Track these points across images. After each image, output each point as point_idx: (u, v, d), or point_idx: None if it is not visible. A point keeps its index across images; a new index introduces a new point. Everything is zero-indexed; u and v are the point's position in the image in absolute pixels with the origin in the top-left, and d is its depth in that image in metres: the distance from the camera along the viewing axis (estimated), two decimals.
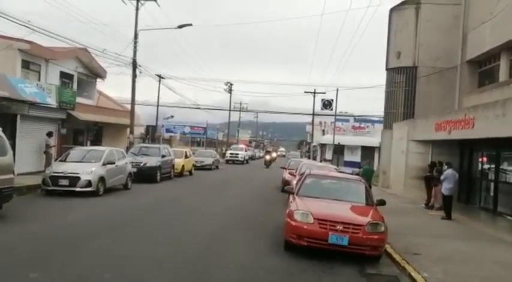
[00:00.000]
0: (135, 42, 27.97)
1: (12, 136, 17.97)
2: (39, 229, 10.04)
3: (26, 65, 22.71)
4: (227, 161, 48.70)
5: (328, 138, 52.15)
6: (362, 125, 55.21)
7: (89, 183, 15.61)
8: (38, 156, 20.87)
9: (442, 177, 15.34)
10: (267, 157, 48.50)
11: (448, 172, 15.26)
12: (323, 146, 56.23)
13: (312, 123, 56.71)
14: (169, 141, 50.59)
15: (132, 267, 7.44)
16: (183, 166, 27.49)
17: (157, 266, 7.59)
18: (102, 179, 16.29)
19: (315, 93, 52.78)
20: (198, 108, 57.86)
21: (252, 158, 61.64)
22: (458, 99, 22.18)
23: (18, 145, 18.77)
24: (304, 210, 9.08)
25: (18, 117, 19.42)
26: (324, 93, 52.61)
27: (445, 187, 15.07)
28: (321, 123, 61.24)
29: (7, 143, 11.36)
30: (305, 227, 8.78)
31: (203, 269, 7.57)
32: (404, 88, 26.47)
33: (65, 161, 16.90)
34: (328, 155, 51.53)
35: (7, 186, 10.96)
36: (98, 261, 7.67)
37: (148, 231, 10.61)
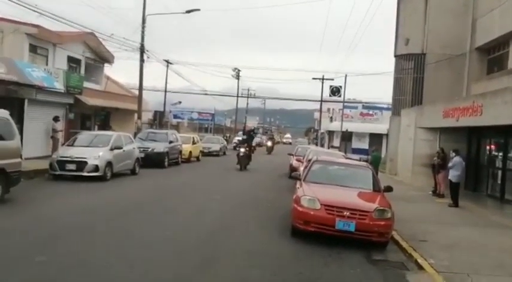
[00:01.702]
0: (143, 27, 27.88)
1: (19, 120, 18.01)
2: (47, 213, 10.10)
3: (33, 49, 22.70)
4: (234, 148, 48.65)
5: (336, 125, 51.98)
6: (370, 112, 54.89)
7: (96, 168, 15.66)
8: (46, 140, 20.97)
9: (450, 164, 15.24)
10: (269, 143, 48.84)
11: (456, 159, 15.15)
12: (331, 133, 56.07)
13: (320, 110, 56.49)
14: (176, 127, 50.65)
15: (139, 251, 7.47)
16: (190, 152, 27.53)
17: (164, 250, 7.62)
18: (109, 164, 16.33)
19: (323, 79, 52.46)
20: (206, 94, 57.79)
21: (259, 144, 61.56)
22: (467, 86, 21.97)
23: (26, 129, 18.82)
24: (311, 196, 9.06)
25: (26, 101, 19.46)
26: (332, 79, 52.26)
27: (453, 174, 14.98)
28: (329, 110, 61.03)
29: (14, 127, 11.40)
30: (312, 212, 8.77)
31: (210, 254, 7.59)
32: (412, 75, 26.23)
33: (72, 145, 16.97)
34: (336, 142, 51.42)
35: (15, 170, 11.03)
36: (105, 245, 7.71)
37: (155, 216, 10.64)
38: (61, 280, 5.88)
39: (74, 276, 6.06)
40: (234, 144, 42.76)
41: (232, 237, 9.03)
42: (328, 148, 44.64)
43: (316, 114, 65.76)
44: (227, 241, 8.60)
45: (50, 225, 8.97)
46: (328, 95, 52.02)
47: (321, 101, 54.48)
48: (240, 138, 49.26)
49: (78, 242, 7.80)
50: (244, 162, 24.05)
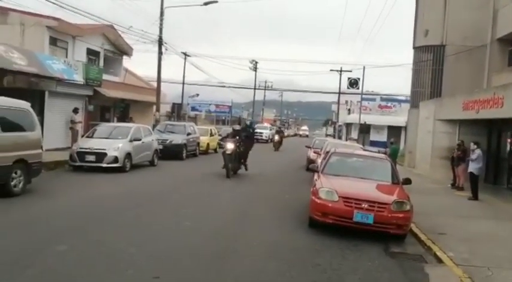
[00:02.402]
0: (161, 20, 27.99)
1: (40, 112, 18.29)
2: (67, 203, 10.27)
3: (53, 41, 22.96)
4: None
5: (354, 118, 51.62)
6: (388, 104, 54.39)
7: (115, 159, 15.84)
8: (66, 132, 21.28)
9: (473, 157, 14.97)
10: (276, 138, 38.35)
11: (478, 151, 14.95)
12: (349, 125, 55.73)
13: (338, 102, 56.16)
14: (194, 120, 50.82)
15: (157, 241, 7.56)
16: (208, 144, 27.65)
17: (182, 240, 7.70)
18: (128, 155, 16.51)
19: (341, 71, 52.13)
20: (223, 87, 57.84)
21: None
22: (487, 78, 21.64)
23: (46, 121, 19.10)
24: (329, 188, 9.06)
25: (46, 93, 19.74)
26: (350, 71, 51.82)
27: (475, 167, 14.78)
28: (346, 102, 60.56)
29: (35, 118, 11.58)
30: (330, 204, 8.77)
31: (227, 245, 7.65)
32: (431, 67, 25.90)
33: (91, 137, 17.18)
34: (354, 134, 51.07)
35: (36, 161, 11.22)
36: (125, 236, 7.81)
37: (174, 206, 10.75)
38: (81, 269, 5.97)
39: (94, 265, 6.16)
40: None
41: (249, 228, 9.08)
42: (346, 140, 44.39)
43: (334, 107, 65.34)
44: (245, 232, 8.65)
45: (70, 215, 9.12)
46: (347, 87, 51.64)
47: (339, 93, 54.16)
48: (257, 131, 49.01)
49: (98, 231, 7.92)
50: (232, 163, 16.83)
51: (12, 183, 10.36)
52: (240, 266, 6.62)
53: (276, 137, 38.56)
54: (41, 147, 11.88)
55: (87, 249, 6.78)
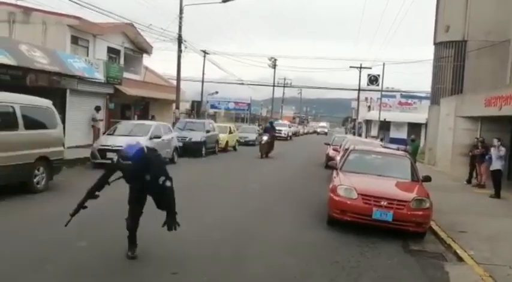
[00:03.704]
0: (181, 17, 28.11)
1: (62, 110, 18.57)
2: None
3: (75, 40, 23.27)
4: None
5: (373, 115, 51.24)
6: (409, 101, 53.81)
7: None
8: (87, 130, 21.56)
9: (502, 154, 14.67)
10: (265, 138, 25.06)
11: (503, 148, 14.70)
12: (368, 122, 55.36)
13: (358, 99, 55.79)
14: (213, 117, 51.09)
15: (176, 237, 7.62)
16: (227, 141, 27.72)
17: (201, 237, 7.75)
18: None
19: (360, 68, 51.76)
20: (242, 84, 57.93)
21: (295, 134, 61.37)
22: (510, 74, 21.24)
23: (68, 119, 19.39)
24: (348, 185, 9.03)
25: (68, 91, 20.04)
26: (370, 68, 51.41)
27: (500, 164, 14.54)
28: (366, 99, 60.13)
29: (57, 116, 11.76)
30: (348, 202, 8.74)
31: (246, 242, 7.68)
32: (452, 63, 25.57)
33: (112, 134, 17.38)
34: (374, 131, 50.74)
35: (57, 158, 11.40)
36: (144, 231, 7.89)
37: (194, 203, 10.82)
38: (101, 264, 6.07)
39: (113, 261, 6.25)
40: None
41: (267, 224, 9.09)
42: (366, 137, 44.06)
43: (354, 104, 64.91)
44: (263, 229, 8.67)
45: (90, 211, 9.20)
46: (366, 83, 51.26)
47: (359, 89, 53.78)
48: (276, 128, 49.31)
49: (118, 227, 8.01)
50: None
51: (35, 180, 10.55)
52: (258, 262, 6.65)
53: (265, 138, 25.10)
54: (63, 145, 12.08)
55: (107, 246, 6.88)
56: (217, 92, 60.54)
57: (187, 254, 6.73)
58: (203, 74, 44.70)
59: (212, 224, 8.74)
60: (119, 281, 5.62)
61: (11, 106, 10.03)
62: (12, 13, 22.04)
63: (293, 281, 6.06)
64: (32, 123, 10.52)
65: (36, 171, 10.55)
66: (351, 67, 53.10)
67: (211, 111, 59.65)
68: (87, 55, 23.79)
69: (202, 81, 45.34)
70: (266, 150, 24.57)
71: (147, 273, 5.88)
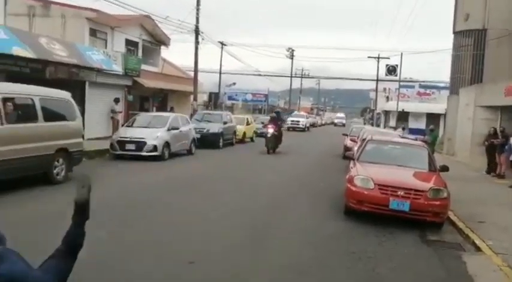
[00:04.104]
0: (198, 9, 28.16)
1: (81, 102, 18.77)
2: (107, 191, 10.55)
3: (93, 33, 23.46)
4: (288, 128, 48.66)
5: (392, 105, 50.72)
6: (427, 91, 53.16)
7: (154, 148, 16.16)
8: (106, 121, 21.79)
9: None
10: (270, 130, 21.60)
11: None
12: (387, 113, 54.82)
13: (376, 90, 55.29)
14: (231, 108, 51.18)
15: (194, 226, 7.71)
16: (244, 133, 27.75)
17: (218, 226, 7.83)
18: (167, 144, 16.81)
19: (378, 58, 51.25)
20: (260, 75, 57.89)
21: (313, 125, 61.17)
22: None
23: (87, 111, 19.59)
24: (365, 175, 9.00)
25: (87, 83, 20.24)
26: (388, 58, 50.86)
27: None
28: (385, 89, 59.51)
29: (76, 108, 11.91)
30: (365, 192, 8.72)
31: (263, 231, 7.74)
32: (472, 52, 25.16)
33: (131, 126, 17.59)
34: (392, 122, 50.25)
35: (77, 150, 11.57)
36: (163, 221, 8.00)
37: (212, 192, 10.94)
38: (118, 254, 6.17)
39: (131, 250, 6.35)
40: (288, 126, 37.53)
41: (285, 215, 9.13)
42: (384, 128, 43.69)
43: (372, 94, 64.33)
44: (280, 219, 8.71)
45: (109, 202, 9.39)
46: (385, 74, 50.75)
47: (377, 80, 53.30)
48: (293, 119, 49.16)
49: (136, 218, 8.14)
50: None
51: (55, 171, 10.74)
52: (275, 252, 6.69)
53: (270, 130, 21.61)
54: (82, 136, 12.26)
55: (126, 236, 6.99)
56: (234, 84, 60.51)
57: (205, 244, 6.80)
58: (220, 65, 44.80)
59: (228, 214, 8.81)
60: (135, 269, 5.69)
61: (31, 98, 10.19)
62: (32, 7, 22.28)
63: (310, 271, 6.09)
64: (51, 115, 10.67)
65: (55, 163, 10.72)
66: (369, 57, 52.64)
67: (229, 102, 59.70)
68: (106, 47, 23.96)
69: (220, 73, 45.42)
70: (273, 144, 21.46)
71: (164, 262, 5.95)
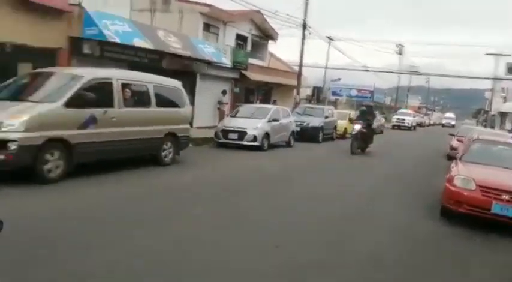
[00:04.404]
0: (306, 3, 28.34)
1: (192, 92, 19.93)
2: (208, 174, 11.33)
3: (206, 27, 24.62)
4: (393, 126, 47.34)
5: (510, 106, 47.26)
6: None
7: (254, 138, 16.74)
8: (213, 112, 22.85)
9: None
10: (357, 126, 18.71)
11: None
12: (503, 114, 51.08)
13: (492, 90, 51.82)
14: (334, 104, 50.76)
15: (285, 212, 7.98)
16: (345, 128, 27.52)
17: (309, 214, 8.01)
18: (266, 135, 17.32)
19: (498, 55, 47.89)
20: (367, 71, 56.64)
21: (420, 124, 58.79)
22: None
23: (197, 101, 20.75)
24: (466, 175, 8.65)
25: (198, 75, 21.39)
26: (509, 55, 47.35)
27: None
28: (503, 89, 55.54)
29: (185, 95, 12.72)
30: (465, 193, 8.38)
31: (352, 224, 7.77)
32: None
33: (235, 116, 18.34)
34: (509, 125, 46.82)
35: (184, 135, 12.40)
36: (256, 205, 8.37)
37: (307, 183, 11.17)
38: (210, 231, 6.54)
39: (223, 228, 6.71)
40: (393, 124, 34.33)
41: (376, 213, 8.99)
42: (499, 130, 40.74)
43: (488, 94, 60.31)
44: (370, 217, 8.58)
45: (210, 183, 10.05)
46: (504, 72, 47.32)
47: (495, 78, 49.89)
48: (399, 117, 47.56)
49: (233, 200, 8.60)
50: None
51: (163, 153, 11.61)
52: (363, 247, 6.61)
53: (357, 127, 18.77)
54: (190, 123, 13.11)
55: (219, 215, 7.42)
56: (339, 79, 59.88)
57: (294, 230, 7.00)
58: (327, 60, 44.60)
59: (320, 203, 8.97)
60: (226, 244, 5.99)
61: (146, 85, 11.14)
62: (154, 2, 23.92)
63: (393, 269, 6.03)
64: (162, 102, 11.53)
65: (164, 146, 11.60)
66: (486, 54, 49.42)
67: (333, 98, 59.23)
68: (217, 41, 25.05)
69: (326, 68, 45.25)
70: (360, 144, 18.30)
71: (251, 245, 6.19)
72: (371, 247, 6.60)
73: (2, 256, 4.78)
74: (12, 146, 7.88)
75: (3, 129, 7.94)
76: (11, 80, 10.09)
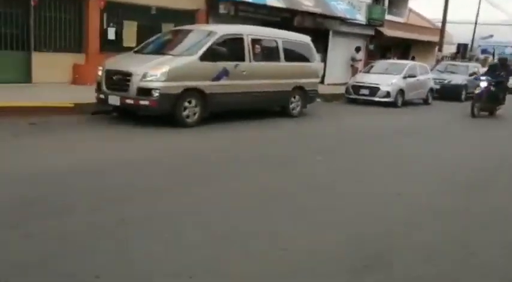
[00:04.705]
0: None
1: (324, 50, 19.99)
2: (332, 127, 11.61)
3: None
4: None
5: None
6: None
7: (387, 94, 16.40)
8: (346, 69, 22.66)
9: None
10: (483, 84, 15.08)
11: None
12: None
13: None
14: (484, 62, 46.86)
15: (402, 166, 7.96)
16: None
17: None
18: (401, 92, 16.82)
19: None
20: None
21: None
22: None
23: (329, 58, 20.76)
24: None
25: (330, 32, 21.32)
26: None
27: None
28: None
29: (314, 51, 12.88)
30: None
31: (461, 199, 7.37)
32: None
33: (368, 72, 18.07)
34: None
35: (312, 89, 12.67)
36: (374, 157, 8.42)
37: (428, 142, 10.85)
38: (328, 175, 6.77)
39: (340, 174, 6.88)
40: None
41: (483, 200, 8.03)
42: None
43: None
44: (477, 203, 7.35)
45: (333, 135, 10.35)
46: None
47: None
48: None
49: (350, 151, 8.70)
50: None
51: (291, 106, 12.07)
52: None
53: (483, 84, 15.13)
54: (318, 77, 13.33)
55: (338, 163, 7.60)
56: (492, 36, 54.90)
57: (411, 182, 7.01)
58: (477, 15, 41.08)
59: (430, 171, 8.69)
60: (346, 191, 6.17)
61: (275, 40, 11.58)
62: None
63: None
64: (291, 56, 11.85)
65: (292, 99, 12.03)
66: None
67: (482, 56, 54.59)
68: None
69: (475, 23, 41.72)
70: (484, 104, 15.05)
71: (370, 192, 6.35)
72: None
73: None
74: (155, 94, 8.93)
75: (148, 78, 9.05)
76: (154, 37, 11.24)
